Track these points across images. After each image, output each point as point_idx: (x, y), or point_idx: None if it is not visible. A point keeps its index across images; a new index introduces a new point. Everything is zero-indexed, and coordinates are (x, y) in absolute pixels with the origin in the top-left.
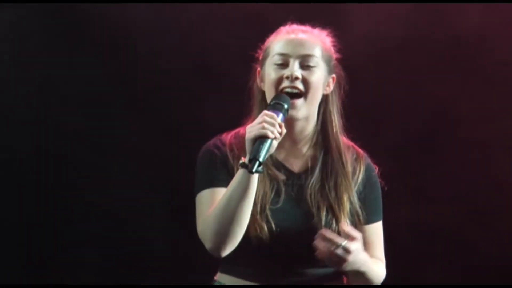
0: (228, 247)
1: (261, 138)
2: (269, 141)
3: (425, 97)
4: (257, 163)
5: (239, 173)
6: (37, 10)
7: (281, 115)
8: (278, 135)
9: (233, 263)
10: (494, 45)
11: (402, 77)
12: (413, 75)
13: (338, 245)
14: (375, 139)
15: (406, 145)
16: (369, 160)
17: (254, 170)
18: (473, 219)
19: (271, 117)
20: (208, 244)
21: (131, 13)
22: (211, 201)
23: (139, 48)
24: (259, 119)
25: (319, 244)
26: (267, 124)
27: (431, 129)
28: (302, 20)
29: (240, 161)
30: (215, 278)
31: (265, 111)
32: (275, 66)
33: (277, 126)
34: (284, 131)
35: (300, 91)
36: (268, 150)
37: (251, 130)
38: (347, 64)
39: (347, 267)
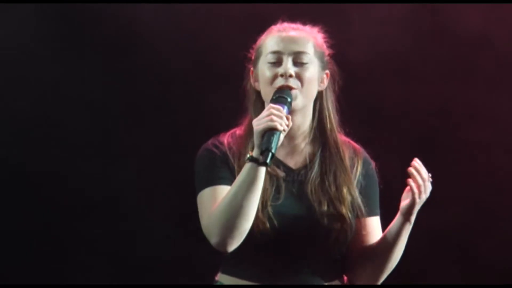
0: (234, 242)
1: (271, 131)
2: (278, 133)
3: (427, 98)
4: (270, 154)
5: (247, 167)
6: (43, 10)
7: (286, 108)
8: (286, 127)
9: (234, 263)
10: (496, 45)
11: (403, 78)
12: (415, 76)
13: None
14: (378, 141)
15: (408, 147)
16: (366, 154)
17: (268, 161)
18: (476, 221)
19: (278, 110)
20: (214, 239)
21: (135, 14)
22: (214, 199)
23: (143, 49)
24: (265, 112)
25: (414, 172)
26: (275, 117)
27: (433, 130)
28: (307, 21)
29: (248, 155)
30: (216, 278)
31: (271, 104)
32: (269, 65)
33: (285, 118)
34: (291, 123)
35: (295, 89)
36: (277, 143)
37: (259, 123)
38: (349, 64)
39: (418, 205)
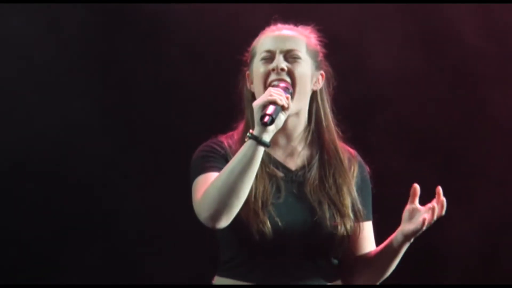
0: (224, 219)
1: (270, 104)
2: (278, 107)
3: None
4: (270, 118)
5: (245, 145)
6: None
7: (285, 93)
8: (286, 104)
9: (232, 266)
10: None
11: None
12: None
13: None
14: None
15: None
16: (360, 158)
17: (268, 122)
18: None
19: (277, 90)
20: (204, 213)
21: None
22: (208, 183)
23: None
24: (265, 92)
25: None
26: (275, 94)
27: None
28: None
29: (248, 134)
30: (213, 281)
31: (270, 88)
32: (262, 61)
33: (284, 96)
34: (291, 104)
35: (287, 83)
36: (277, 115)
37: (258, 99)
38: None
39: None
